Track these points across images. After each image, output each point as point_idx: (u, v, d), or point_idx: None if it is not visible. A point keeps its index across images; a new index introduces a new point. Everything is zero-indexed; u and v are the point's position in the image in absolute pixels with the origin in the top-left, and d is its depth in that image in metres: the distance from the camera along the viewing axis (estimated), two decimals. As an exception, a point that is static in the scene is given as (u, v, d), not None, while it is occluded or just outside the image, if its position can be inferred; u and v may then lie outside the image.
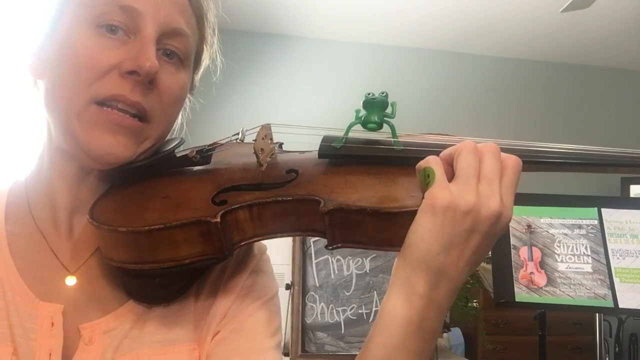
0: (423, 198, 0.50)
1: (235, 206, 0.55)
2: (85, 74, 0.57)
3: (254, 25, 4.16)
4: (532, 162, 0.57)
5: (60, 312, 0.58)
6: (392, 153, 0.59)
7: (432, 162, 0.51)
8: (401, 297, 0.51)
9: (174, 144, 0.66)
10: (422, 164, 0.51)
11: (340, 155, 0.60)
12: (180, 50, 0.63)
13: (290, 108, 4.27)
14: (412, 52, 4.53)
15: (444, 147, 0.55)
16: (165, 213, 0.56)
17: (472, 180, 0.49)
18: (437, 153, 0.53)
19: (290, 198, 0.55)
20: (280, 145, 0.72)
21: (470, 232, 0.49)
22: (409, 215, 0.50)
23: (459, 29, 4.19)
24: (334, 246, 0.54)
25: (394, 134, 0.59)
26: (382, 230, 0.52)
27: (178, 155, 0.65)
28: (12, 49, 0.65)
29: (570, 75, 4.74)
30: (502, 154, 0.52)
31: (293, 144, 0.70)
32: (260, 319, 0.65)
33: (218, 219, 0.53)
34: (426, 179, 0.50)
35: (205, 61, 0.73)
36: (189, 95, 0.74)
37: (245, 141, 0.67)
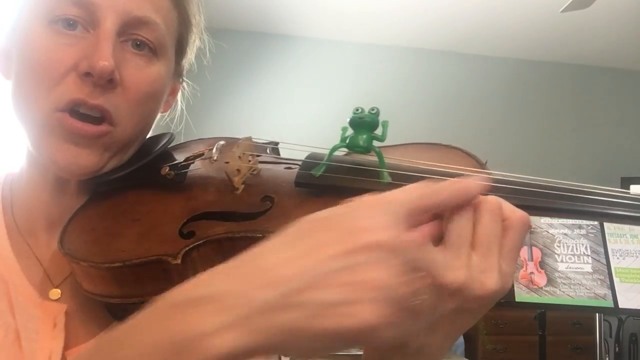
0: None
1: (202, 241, 0.51)
2: (43, 80, 0.53)
3: (253, 25, 4.16)
4: (546, 209, 0.47)
5: (63, 312, 0.56)
6: (376, 187, 0.50)
7: None
8: None
9: (156, 148, 0.61)
10: None
11: (318, 185, 0.53)
12: (150, 40, 0.57)
13: (290, 107, 4.27)
14: (412, 52, 4.53)
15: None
16: (130, 244, 0.52)
17: (463, 250, 0.39)
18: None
19: (261, 235, 0.50)
20: (276, 145, 0.68)
21: (458, 312, 0.40)
22: None
23: (459, 29, 4.18)
24: None
25: (381, 163, 0.52)
26: None
27: (160, 160, 0.61)
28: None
29: (570, 75, 4.74)
30: (507, 207, 0.41)
31: (284, 146, 0.67)
32: None
33: (179, 261, 0.49)
34: None
35: (195, 42, 0.68)
36: (184, 81, 0.70)
37: (220, 158, 0.60)
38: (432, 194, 0.38)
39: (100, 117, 0.55)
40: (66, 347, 0.55)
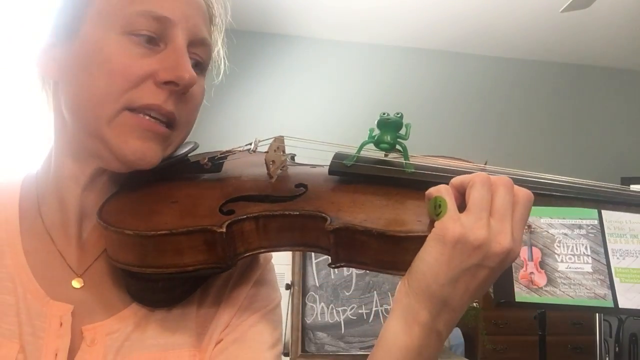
0: (432, 226, 0.49)
1: (242, 217, 0.55)
2: (119, 81, 0.57)
3: (256, 25, 4.16)
4: (544, 195, 0.56)
5: (69, 312, 0.59)
6: (402, 175, 0.58)
7: (443, 191, 0.50)
8: (402, 324, 0.51)
9: (188, 148, 0.66)
10: (432, 192, 0.51)
11: (350, 174, 0.60)
12: (203, 59, 0.64)
13: (293, 108, 4.27)
14: (413, 52, 4.54)
15: (456, 173, 0.55)
16: (172, 218, 0.56)
17: (483, 214, 0.48)
18: (448, 179, 0.52)
19: (297, 213, 0.55)
20: (293, 157, 0.72)
21: (478, 266, 0.49)
22: (415, 241, 0.50)
23: (459, 29, 4.19)
24: (337, 265, 0.54)
25: (405, 156, 0.59)
26: (387, 253, 0.52)
27: (190, 160, 0.65)
28: (18, 46, 0.64)
29: (570, 75, 4.74)
30: (515, 186, 0.51)
31: (304, 155, 0.70)
32: (262, 330, 0.65)
33: (224, 229, 0.53)
34: (437, 209, 0.49)
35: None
36: None
37: (257, 151, 0.67)
38: None
39: (166, 121, 0.61)
40: (85, 323, 0.59)
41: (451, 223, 0.48)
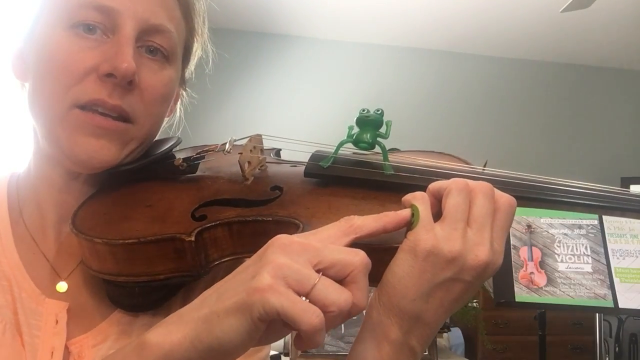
0: (405, 236, 0.46)
1: (214, 223, 0.53)
2: (63, 78, 0.56)
3: (253, 25, 4.16)
4: (535, 199, 0.53)
5: (65, 309, 0.58)
6: (380, 177, 0.55)
7: (418, 199, 0.47)
8: (372, 341, 0.47)
9: (168, 145, 0.64)
10: (408, 198, 0.47)
11: (326, 176, 0.57)
12: (163, 47, 0.61)
13: (290, 108, 4.26)
14: (413, 52, 4.53)
15: (437, 174, 0.52)
16: (143, 225, 0.54)
17: (459, 224, 0.45)
18: (428, 182, 0.49)
19: (271, 218, 0.53)
20: (278, 152, 0.71)
21: (454, 280, 0.45)
22: (389, 252, 0.47)
23: (459, 29, 4.18)
24: None
25: (384, 156, 0.56)
26: None
27: (167, 161, 0.63)
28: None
29: (570, 75, 4.74)
30: (496, 191, 0.47)
31: (288, 156, 0.69)
32: None
33: (192, 238, 0.52)
34: (410, 217, 0.46)
35: (197, 52, 0.71)
36: (186, 90, 0.73)
37: (233, 151, 0.64)
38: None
39: (118, 116, 0.58)
40: (69, 337, 0.57)
41: (423, 234, 0.45)
